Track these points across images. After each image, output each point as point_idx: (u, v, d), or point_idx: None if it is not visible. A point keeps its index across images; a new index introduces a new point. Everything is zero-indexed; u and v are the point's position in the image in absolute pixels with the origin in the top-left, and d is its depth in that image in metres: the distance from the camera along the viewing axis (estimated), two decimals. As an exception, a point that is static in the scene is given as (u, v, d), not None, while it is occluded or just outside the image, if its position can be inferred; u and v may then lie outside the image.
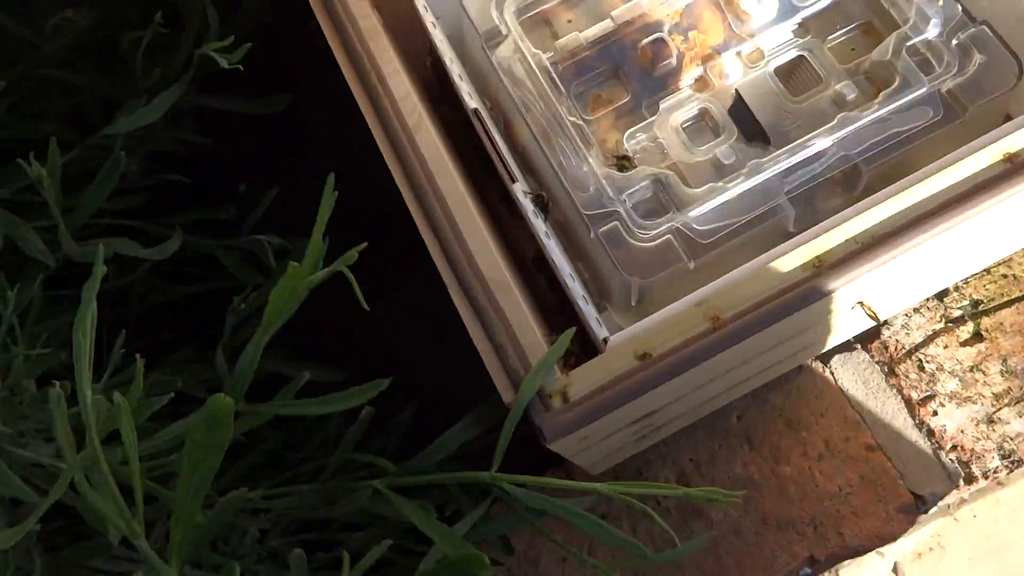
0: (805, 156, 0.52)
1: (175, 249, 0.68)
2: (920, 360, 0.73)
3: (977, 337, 0.72)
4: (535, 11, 0.62)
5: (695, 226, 0.54)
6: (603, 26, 0.59)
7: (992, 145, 0.49)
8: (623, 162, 0.56)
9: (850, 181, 0.54)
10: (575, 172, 0.57)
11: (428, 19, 0.61)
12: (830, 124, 0.52)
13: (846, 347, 0.75)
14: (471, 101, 0.58)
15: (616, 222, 0.55)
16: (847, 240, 0.48)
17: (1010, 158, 0.48)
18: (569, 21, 0.62)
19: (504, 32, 0.60)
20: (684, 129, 0.58)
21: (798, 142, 0.53)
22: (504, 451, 0.50)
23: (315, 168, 0.99)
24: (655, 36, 0.58)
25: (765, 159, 0.53)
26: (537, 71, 0.59)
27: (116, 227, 0.79)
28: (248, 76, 0.65)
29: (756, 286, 0.49)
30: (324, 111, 0.99)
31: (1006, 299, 0.72)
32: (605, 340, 0.52)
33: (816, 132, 0.53)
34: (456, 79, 0.59)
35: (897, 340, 0.74)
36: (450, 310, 0.93)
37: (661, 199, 0.56)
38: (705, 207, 0.54)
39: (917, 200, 0.47)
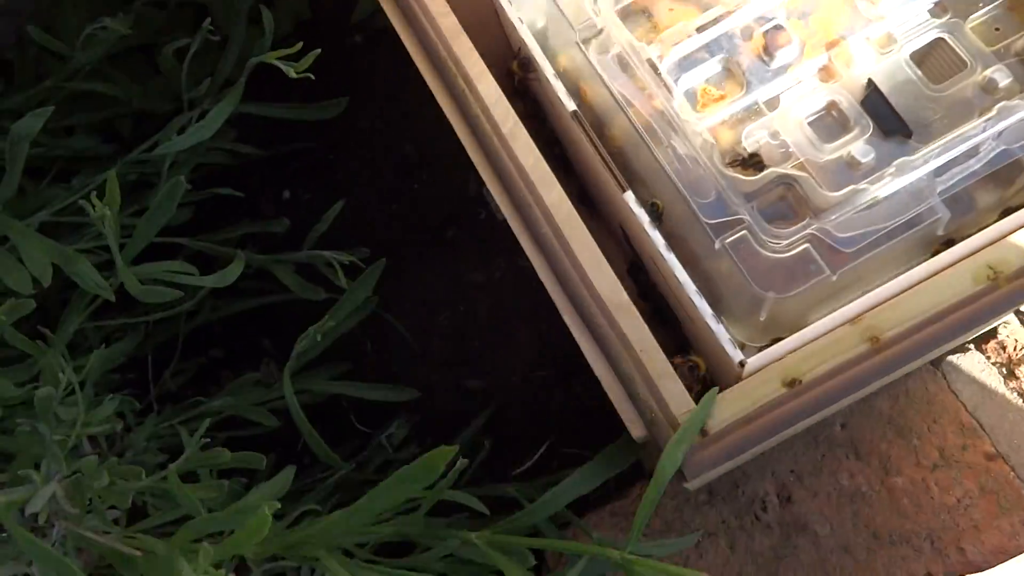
0: (960, 151, 0.47)
1: (238, 274, 0.63)
2: (1042, 360, 0.68)
3: (1103, 333, 0.67)
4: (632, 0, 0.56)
5: (836, 233, 0.48)
6: (712, 14, 0.54)
7: None
8: (755, 159, 0.50)
9: (1006, 177, 0.48)
10: (691, 176, 0.51)
11: (513, 15, 0.55)
12: (989, 115, 0.47)
13: (959, 348, 0.69)
14: (570, 103, 0.53)
15: (744, 231, 0.50)
16: (1028, 247, 0.42)
17: None
18: (671, 10, 0.56)
19: (599, 26, 0.55)
20: (809, 124, 0.52)
21: (952, 136, 0.47)
22: (644, 522, 0.45)
23: (364, 172, 0.93)
24: (772, 23, 0.53)
25: (915, 156, 0.47)
26: (641, 66, 0.53)
27: (165, 246, 0.73)
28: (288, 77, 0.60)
29: (920, 301, 0.44)
30: (372, 111, 0.94)
31: None
32: (742, 364, 0.47)
33: (972, 124, 0.47)
34: (551, 79, 0.53)
35: (1016, 340, 0.69)
36: (516, 311, 0.87)
37: (790, 203, 0.51)
38: (846, 211, 0.48)
39: (1108, 199, 0.42)
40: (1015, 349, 0.69)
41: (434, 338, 0.87)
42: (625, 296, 0.48)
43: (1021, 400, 0.67)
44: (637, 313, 0.47)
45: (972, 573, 0.67)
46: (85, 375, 0.60)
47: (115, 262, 0.55)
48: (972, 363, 0.69)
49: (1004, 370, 0.68)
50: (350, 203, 0.91)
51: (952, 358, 0.69)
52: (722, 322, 0.48)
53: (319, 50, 0.56)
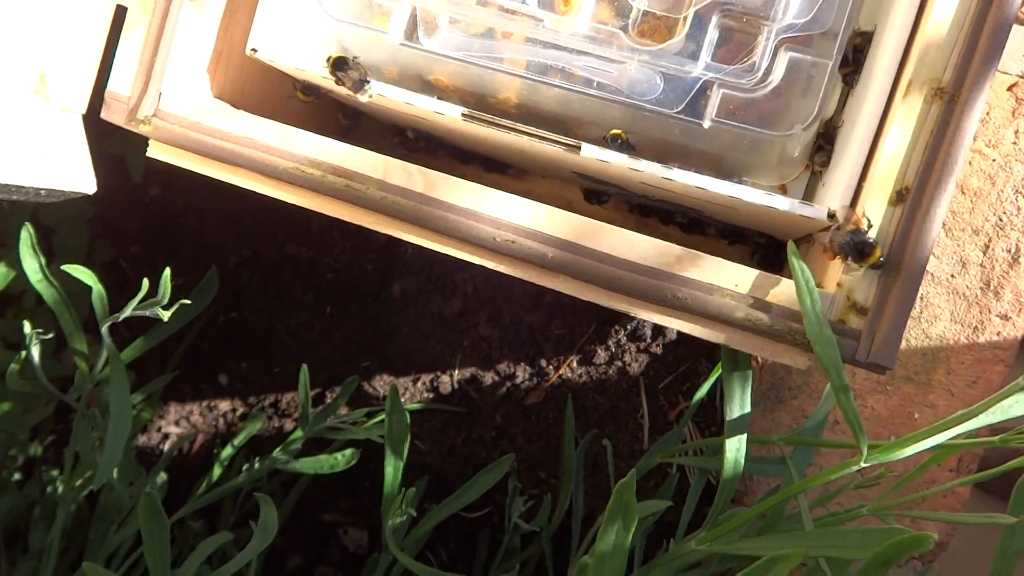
0: None
1: (276, 527, 0.52)
2: None
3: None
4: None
5: (799, 20, 0.41)
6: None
7: None
8: (651, 20, 0.42)
9: None
10: (622, 81, 0.43)
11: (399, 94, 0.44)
12: None
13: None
14: (454, 110, 0.43)
15: (720, 90, 0.41)
16: None
17: None
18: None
19: (409, 7, 0.44)
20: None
21: None
22: (859, 423, 0.38)
23: (275, 301, 0.82)
24: None
25: None
26: (477, 13, 0.43)
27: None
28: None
29: (943, 25, 0.37)
30: (229, 245, 0.81)
31: None
32: (831, 215, 0.40)
33: None
34: (433, 105, 0.43)
35: None
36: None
37: (731, 29, 0.43)
38: (797, -8, 0.40)
39: None
40: None
41: (463, 384, 0.78)
42: (676, 248, 0.40)
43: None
44: (703, 254, 0.39)
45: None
46: None
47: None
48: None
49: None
50: (288, 332, 0.80)
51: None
52: (772, 193, 0.41)
53: (168, 268, 0.44)
